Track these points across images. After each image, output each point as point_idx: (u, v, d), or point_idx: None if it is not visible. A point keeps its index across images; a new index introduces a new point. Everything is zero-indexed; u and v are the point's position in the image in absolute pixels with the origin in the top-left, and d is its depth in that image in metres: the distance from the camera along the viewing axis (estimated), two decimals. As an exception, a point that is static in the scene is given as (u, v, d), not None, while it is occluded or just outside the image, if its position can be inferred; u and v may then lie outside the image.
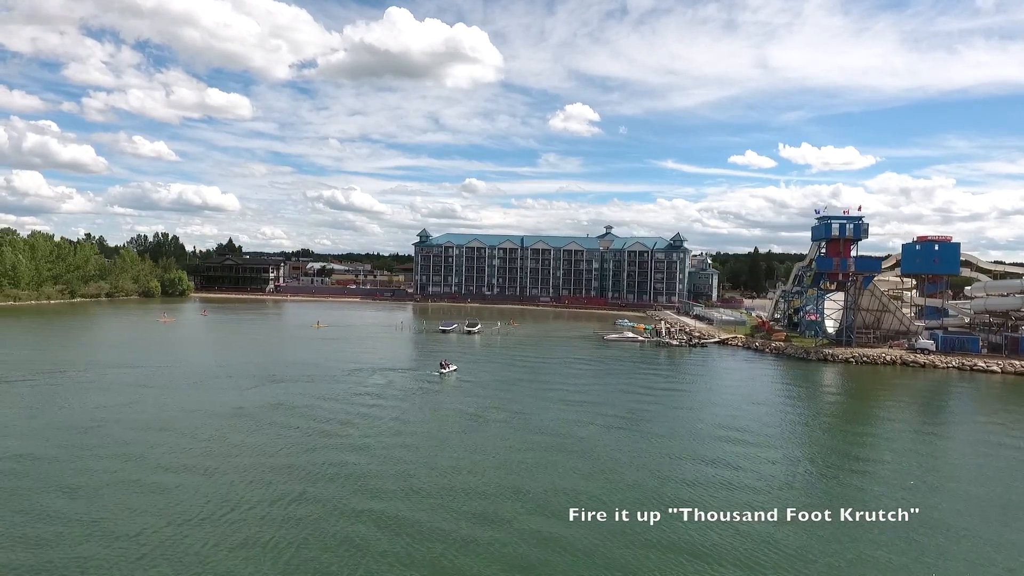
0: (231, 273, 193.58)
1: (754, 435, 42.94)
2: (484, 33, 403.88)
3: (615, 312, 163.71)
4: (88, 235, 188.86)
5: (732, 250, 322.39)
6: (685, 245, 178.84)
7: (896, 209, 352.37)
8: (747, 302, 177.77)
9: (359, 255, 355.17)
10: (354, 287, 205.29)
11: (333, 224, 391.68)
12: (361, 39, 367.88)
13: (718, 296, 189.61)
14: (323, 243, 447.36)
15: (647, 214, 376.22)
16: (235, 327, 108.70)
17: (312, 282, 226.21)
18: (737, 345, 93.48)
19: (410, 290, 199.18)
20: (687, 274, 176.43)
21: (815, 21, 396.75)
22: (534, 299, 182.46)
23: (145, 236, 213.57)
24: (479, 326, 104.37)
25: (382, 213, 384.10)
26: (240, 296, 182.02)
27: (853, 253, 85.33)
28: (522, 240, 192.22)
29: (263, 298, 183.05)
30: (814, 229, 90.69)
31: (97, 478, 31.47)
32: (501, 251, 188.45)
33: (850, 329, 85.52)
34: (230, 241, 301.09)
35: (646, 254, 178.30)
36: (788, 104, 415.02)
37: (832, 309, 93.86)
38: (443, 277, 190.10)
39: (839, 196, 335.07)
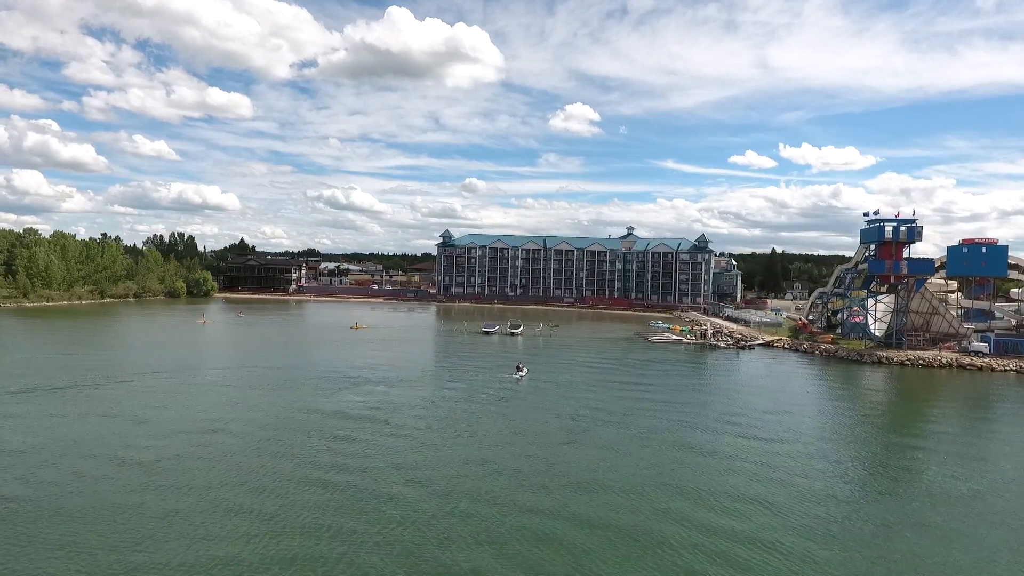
0: (253, 273, 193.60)
1: (870, 444, 43.41)
2: (485, 33, 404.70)
3: (640, 313, 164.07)
4: (104, 234, 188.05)
5: (732, 250, 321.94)
6: (710, 247, 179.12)
7: (896, 210, 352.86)
8: (770, 303, 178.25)
9: (364, 255, 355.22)
10: (376, 287, 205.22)
11: (333, 224, 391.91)
12: (362, 38, 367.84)
13: (740, 297, 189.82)
14: (323, 242, 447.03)
15: (647, 214, 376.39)
16: (276, 328, 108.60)
17: (331, 282, 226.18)
18: (783, 347, 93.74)
19: (432, 290, 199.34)
20: (712, 275, 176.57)
21: (815, 21, 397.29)
22: (557, 300, 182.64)
23: (161, 236, 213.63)
24: (521, 328, 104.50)
25: (382, 213, 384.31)
26: (263, 296, 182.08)
27: (904, 255, 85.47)
28: (544, 241, 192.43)
29: (286, 298, 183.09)
30: (864, 232, 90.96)
31: (274, 478, 31.98)
32: (524, 252, 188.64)
33: (901, 332, 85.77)
34: (242, 241, 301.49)
35: (670, 255, 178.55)
36: (788, 104, 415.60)
37: (875, 311, 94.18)
38: (466, 278, 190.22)
39: (839, 196, 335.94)
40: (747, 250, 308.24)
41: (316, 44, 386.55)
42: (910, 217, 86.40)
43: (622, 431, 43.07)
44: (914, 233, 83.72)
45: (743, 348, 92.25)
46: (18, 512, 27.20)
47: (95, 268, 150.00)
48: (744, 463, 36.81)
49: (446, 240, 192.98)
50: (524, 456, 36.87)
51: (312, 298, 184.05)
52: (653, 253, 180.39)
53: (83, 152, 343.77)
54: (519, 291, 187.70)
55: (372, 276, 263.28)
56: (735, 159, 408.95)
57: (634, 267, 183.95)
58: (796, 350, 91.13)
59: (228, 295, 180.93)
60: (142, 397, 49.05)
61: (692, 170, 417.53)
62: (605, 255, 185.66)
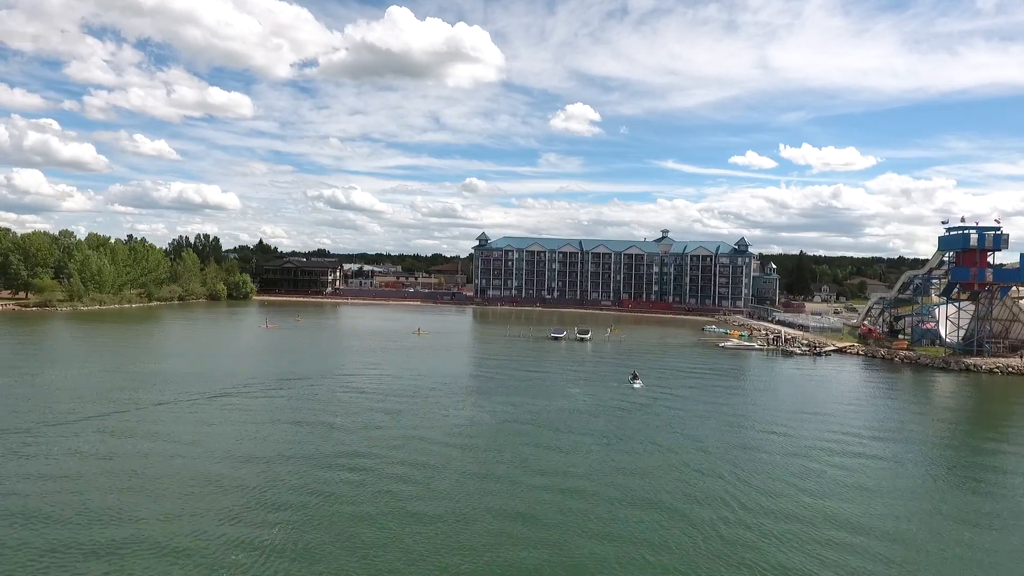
0: (288, 276, 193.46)
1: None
2: (485, 33, 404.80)
3: (681, 317, 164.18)
4: (130, 236, 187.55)
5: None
6: (750, 250, 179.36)
7: (897, 210, 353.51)
8: (808, 306, 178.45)
9: (372, 255, 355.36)
10: (410, 290, 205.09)
11: (333, 223, 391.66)
12: (362, 38, 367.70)
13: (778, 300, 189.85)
14: (323, 242, 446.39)
15: (647, 214, 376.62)
16: (345, 335, 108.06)
17: (359, 284, 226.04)
18: (857, 353, 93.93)
19: (467, 293, 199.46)
20: (752, 278, 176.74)
21: (815, 22, 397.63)
22: (594, 303, 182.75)
23: (187, 237, 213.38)
24: (590, 333, 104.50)
25: (383, 212, 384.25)
26: (301, 299, 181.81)
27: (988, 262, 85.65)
28: (581, 244, 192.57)
29: (323, 301, 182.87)
30: (943, 239, 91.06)
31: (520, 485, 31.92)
32: (561, 255, 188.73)
33: (983, 339, 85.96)
34: (261, 242, 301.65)
35: (709, 258, 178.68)
36: (788, 105, 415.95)
37: (950, 318, 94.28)
38: (503, 280, 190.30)
39: (840, 197, 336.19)
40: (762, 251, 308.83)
41: (317, 44, 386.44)
42: (994, 225, 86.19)
43: (810, 446, 43.20)
44: (1000, 241, 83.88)
45: (819, 355, 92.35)
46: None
47: (141, 271, 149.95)
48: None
49: (482, 243, 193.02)
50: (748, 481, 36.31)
51: (349, 301, 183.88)
52: (692, 256, 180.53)
53: (83, 151, 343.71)
54: (556, 294, 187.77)
55: (396, 278, 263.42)
56: (735, 159, 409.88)
57: (671, 270, 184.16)
58: (872, 356, 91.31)
59: (265, 297, 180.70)
60: (325, 404, 49.99)
61: (692, 170, 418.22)
62: (642, 258, 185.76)
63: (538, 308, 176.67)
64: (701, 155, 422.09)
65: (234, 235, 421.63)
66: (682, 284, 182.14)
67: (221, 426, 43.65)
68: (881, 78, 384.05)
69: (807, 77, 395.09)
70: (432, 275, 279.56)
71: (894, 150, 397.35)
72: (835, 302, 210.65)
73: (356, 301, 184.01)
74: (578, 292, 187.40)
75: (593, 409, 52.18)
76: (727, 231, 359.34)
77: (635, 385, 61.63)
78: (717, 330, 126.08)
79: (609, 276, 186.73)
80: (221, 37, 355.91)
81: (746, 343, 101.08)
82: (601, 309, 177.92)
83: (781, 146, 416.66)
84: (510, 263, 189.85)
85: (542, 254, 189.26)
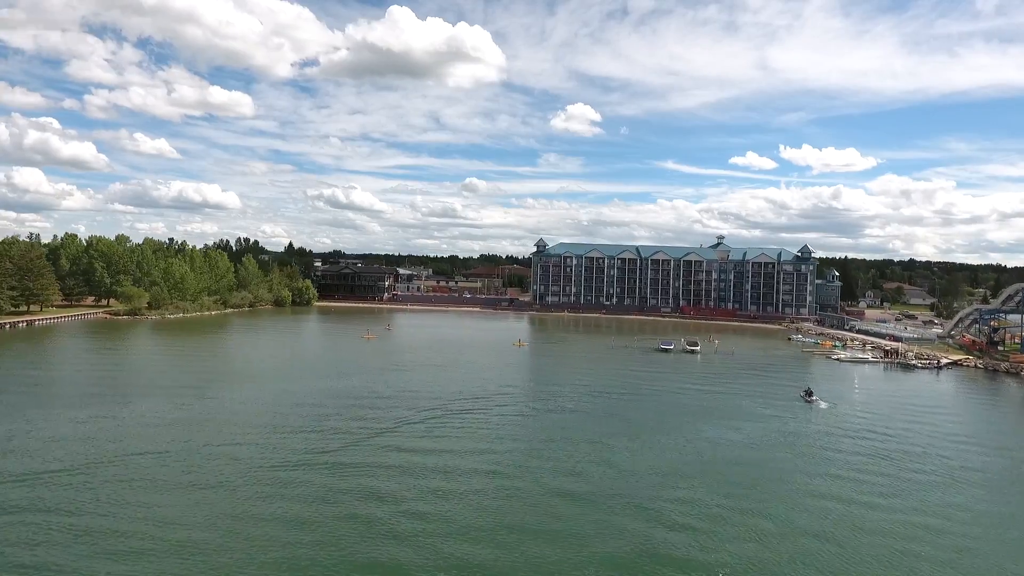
0: (346, 281, 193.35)
1: None
2: (486, 32, 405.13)
3: (747, 324, 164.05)
4: (171, 239, 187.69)
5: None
6: (814, 256, 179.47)
7: (897, 211, 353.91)
8: (866, 313, 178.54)
9: (396, 256, 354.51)
10: (468, 296, 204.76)
11: (333, 223, 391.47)
12: (363, 38, 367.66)
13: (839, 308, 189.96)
14: (323, 241, 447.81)
15: (647, 214, 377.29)
16: (451, 346, 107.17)
17: (406, 288, 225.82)
18: (975, 366, 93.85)
19: (524, 298, 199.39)
20: (815, 286, 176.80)
21: (815, 23, 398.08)
22: (654, 310, 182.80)
23: (226, 240, 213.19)
24: (699, 345, 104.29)
25: (382, 212, 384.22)
26: (361, 304, 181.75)
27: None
28: (638, 249, 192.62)
29: (381, 307, 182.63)
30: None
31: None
32: (620, 261, 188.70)
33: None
34: (291, 244, 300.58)
35: (772, 265, 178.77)
36: (788, 105, 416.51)
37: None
38: (561, 287, 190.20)
39: (839, 198, 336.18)
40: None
41: (318, 43, 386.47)
42: None
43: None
44: None
45: (940, 368, 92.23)
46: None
47: (214, 279, 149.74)
48: None
49: (541, 249, 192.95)
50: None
51: (408, 307, 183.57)
52: (753, 263, 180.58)
53: (84, 150, 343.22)
54: (614, 300, 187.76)
55: (437, 282, 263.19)
56: (735, 160, 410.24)
57: (731, 276, 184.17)
58: (994, 370, 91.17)
59: (325, 304, 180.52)
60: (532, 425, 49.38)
61: (692, 171, 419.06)
62: (701, 264, 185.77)
63: (599, 315, 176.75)
64: (701, 156, 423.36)
65: (233, 234, 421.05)
66: (742, 291, 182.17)
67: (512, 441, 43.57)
68: (881, 79, 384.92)
69: (807, 78, 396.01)
70: (468, 279, 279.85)
71: (894, 151, 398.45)
72: (879, 307, 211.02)
73: (415, 307, 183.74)
74: (636, 298, 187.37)
75: (811, 438, 51.97)
76: (727, 231, 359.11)
77: (820, 405, 61.41)
78: (804, 339, 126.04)
79: (668, 283, 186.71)
80: (222, 36, 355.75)
81: (860, 356, 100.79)
82: (662, 316, 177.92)
83: (781, 147, 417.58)
84: (569, 269, 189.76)
85: (601, 260, 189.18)
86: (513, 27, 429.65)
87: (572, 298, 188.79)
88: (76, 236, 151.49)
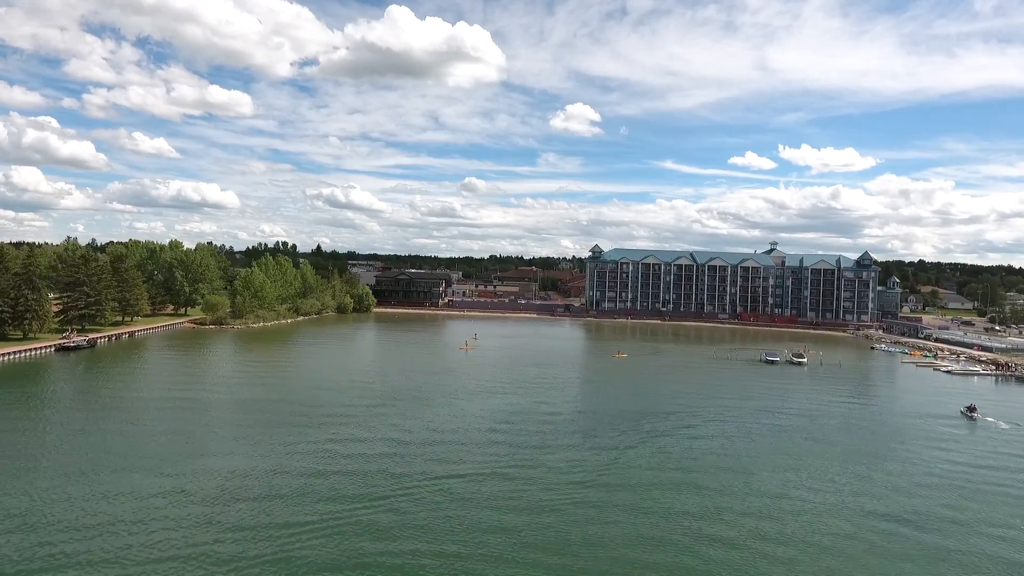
0: (402, 288, 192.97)
1: None
2: (486, 32, 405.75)
3: (810, 332, 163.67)
4: (210, 242, 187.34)
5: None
6: (874, 264, 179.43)
7: (896, 211, 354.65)
8: (924, 319, 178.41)
9: (426, 258, 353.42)
10: (523, 302, 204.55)
11: (332, 222, 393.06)
12: (363, 37, 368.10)
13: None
14: (322, 241, 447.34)
15: (646, 214, 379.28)
16: (547, 356, 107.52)
17: (454, 294, 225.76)
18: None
19: (576, 304, 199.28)
20: (877, 292, 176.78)
21: (814, 23, 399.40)
22: (711, 316, 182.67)
23: (265, 244, 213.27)
24: (806, 357, 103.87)
25: (381, 211, 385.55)
26: (418, 311, 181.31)
27: None
28: (692, 255, 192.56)
29: (438, 313, 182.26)
30: None
31: None
32: (676, 267, 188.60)
33: None
34: (319, 247, 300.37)
35: (832, 272, 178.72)
36: (787, 105, 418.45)
37: None
38: (617, 293, 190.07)
39: (838, 198, 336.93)
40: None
41: (318, 43, 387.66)
42: None
43: None
44: None
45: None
46: None
47: (284, 286, 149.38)
48: None
49: (596, 255, 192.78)
50: None
51: (466, 313, 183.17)
52: (812, 270, 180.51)
53: (82, 149, 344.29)
54: (670, 307, 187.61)
55: (476, 285, 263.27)
56: (735, 160, 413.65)
57: (789, 283, 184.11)
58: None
59: (382, 310, 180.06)
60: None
61: (691, 171, 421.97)
62: (758, 271, 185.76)
63: (657, 321, 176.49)
64: (700, 156, 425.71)
65: (232, 233, 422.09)
66: (800, 297, 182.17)
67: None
68: (880, 79, 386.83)
69: (806, 78, 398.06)
70: (504, 282, 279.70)
71: (893, 151, 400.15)
72: (925, 312, 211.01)
73: (472, 313, 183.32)
74: (693, 304, 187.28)
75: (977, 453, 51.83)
76: (726, 231, 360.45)
77: (988, 421, 61.22)
78: (890, 349, 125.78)
79: (725, 289, 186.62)
80: (221, 35, 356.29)
81: (971, 368, 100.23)
82: (720, 322, 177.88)
83: (780, 147, 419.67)
84: (625, 276, 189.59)
85: (657, 267, 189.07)
86: (512, 27, 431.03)
87: (628, 304, 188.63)
88: (154, 243, 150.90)
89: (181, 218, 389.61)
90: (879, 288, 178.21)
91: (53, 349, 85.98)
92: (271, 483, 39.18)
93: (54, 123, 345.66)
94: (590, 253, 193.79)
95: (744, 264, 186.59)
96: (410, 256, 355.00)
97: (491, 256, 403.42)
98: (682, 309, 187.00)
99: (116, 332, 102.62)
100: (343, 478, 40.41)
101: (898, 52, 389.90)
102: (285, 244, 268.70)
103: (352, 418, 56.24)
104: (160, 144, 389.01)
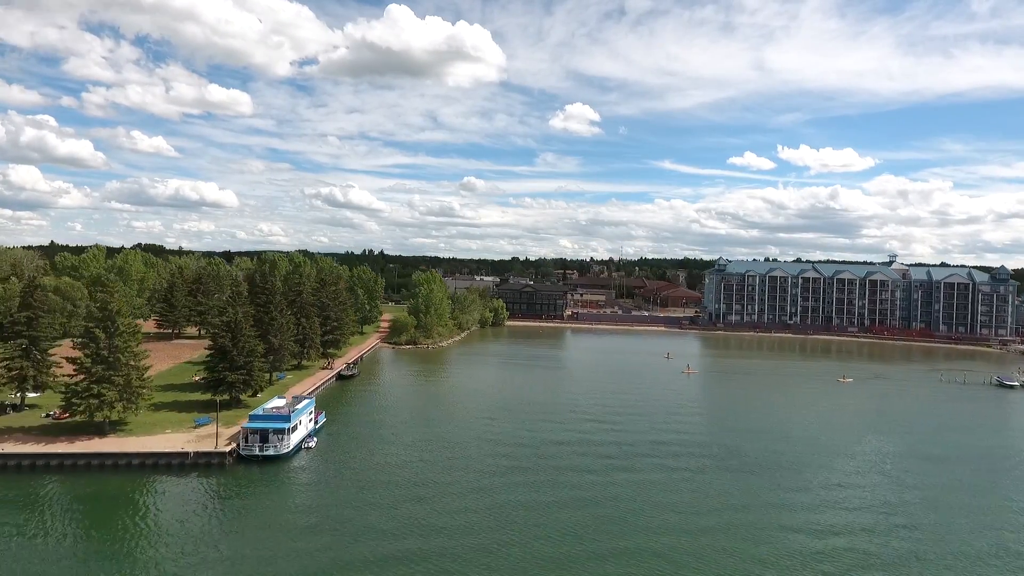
0: (527, 300, 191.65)
1: None
2: (487, 32, 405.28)
3: (951, 346, 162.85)
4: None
5: (731, 251, 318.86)
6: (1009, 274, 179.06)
7: (894, 211, 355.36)
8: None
9: (492, 261, 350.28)
10: (646, 314, 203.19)
11: (331, 221, 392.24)
12: (363, 36, 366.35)
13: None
14: (320, 240, 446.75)
15: (645, 214, 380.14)
16: (776, 378, 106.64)
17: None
18: None
19: (698, 314, 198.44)
20: (1015, 306, 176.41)
21: (812, 24, 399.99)
22: (839, 329, 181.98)
23: (351, 251, 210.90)
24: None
25: (380, 211, 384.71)
26: (544, 324, 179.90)
27: None
28: (813, 266, 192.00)
29: (561, 326, 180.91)
30: None
31: None
32: (802, 280, 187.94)
33: None
34: (383, 252, 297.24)
35: (966, 286, 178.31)
36: (785, 106, 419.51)
37: None
38: (743, 306, 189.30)
39: (837, 198, 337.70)
40: (746, 251, 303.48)
41: (318, 42, 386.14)
42: None
43: None
44: None
45: None
46: None
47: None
48: None
49: (720, 268, 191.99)
50: None
51: (594, 327, 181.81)
52: (946, 284, 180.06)
53: (81, 148, 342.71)
54: (797, 320, 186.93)
55: (582, 295, 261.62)
56: (734, 160, 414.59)
57: (919, 296, 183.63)
58: None
59: (512, 323, 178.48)
60: None
61: (690, 171, 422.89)
62: (886, 284, 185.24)
63: (784, 335, 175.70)
64: (699, 156, 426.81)
65: (230, 233, 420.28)
66: (931, 311, 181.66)
67: None
68: (877, 80, 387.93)
69: (804, 79, 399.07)
70: (588, 290, 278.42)
71: (891, 152, 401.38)
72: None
73: (600, 327, 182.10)
74: (820, 318, 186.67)
75: None
76: (724, 231, 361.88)
77: None
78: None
79: (852, 302, 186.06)
80: (221, 34, 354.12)
81: None
82: (851, 335, 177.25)
83: (779, 147, 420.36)
84: (751, 288, 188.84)
85: (784, 280, 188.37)
86: (510, 27, 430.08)
87: (756, 317, 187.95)
88: (298, 256, 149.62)
89: (179, 217, 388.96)
90: (1017, 302, 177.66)
91: (335, 378, 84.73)
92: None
93: (52, 121, 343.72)
94: (716, 267, 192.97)
95: (872, 277, 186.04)
96: (410, 256, 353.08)
97: (513, 258, 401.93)
98: (809, 322, 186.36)
99: (346, 357, 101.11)
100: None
101: (895, 53, 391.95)
102: (379, 252, 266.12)
103: (805, 466, 55.62)
104: (158, 143, 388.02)
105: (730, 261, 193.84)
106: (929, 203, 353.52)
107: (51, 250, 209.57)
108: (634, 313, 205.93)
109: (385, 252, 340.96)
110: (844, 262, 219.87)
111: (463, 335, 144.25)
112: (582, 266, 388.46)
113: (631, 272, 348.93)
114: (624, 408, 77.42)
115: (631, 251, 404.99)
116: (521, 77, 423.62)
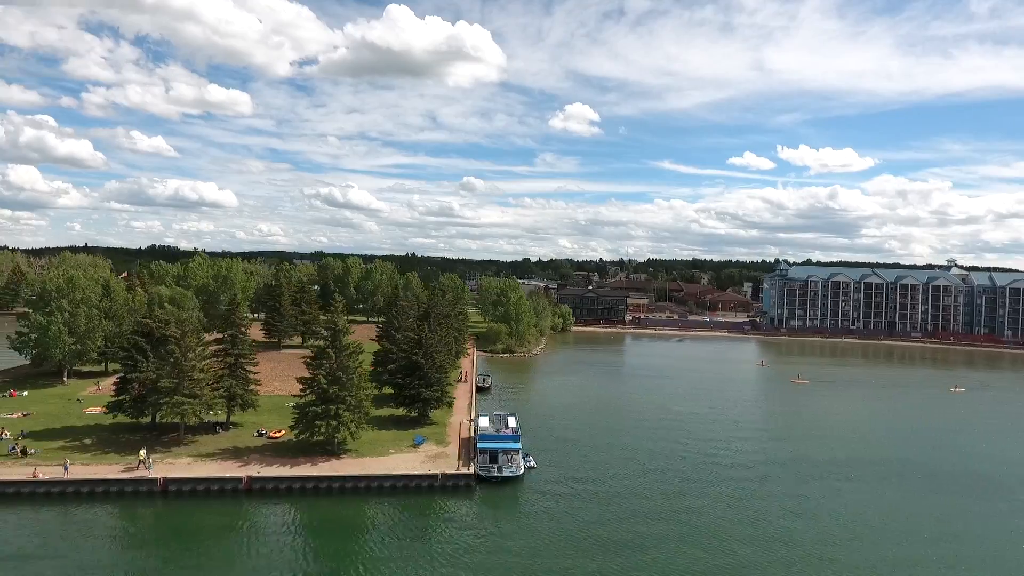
0: (589, 305, 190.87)
1: None
2: (487, 32, 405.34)
3: (1015, 351, 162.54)
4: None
5: (731, 251, 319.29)
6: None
7: (893, 211, 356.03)
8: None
9: (547, 262, 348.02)
10: (707, 320, 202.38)
11: (330, 221, 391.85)
12: (363, 36, 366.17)
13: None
14: (320, 240, 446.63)
15: (644, 214, 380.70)
16: (908, 390, 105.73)
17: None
18: None
19: (758, 319, 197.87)
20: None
21: (811, 24, 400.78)
22: (902, 334, 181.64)
23: (414, 253, 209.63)
24: None
25: (380, 211, 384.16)
26: (608, 330, 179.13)
27: None
28: (874, 271, 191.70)
29: (623, 331, 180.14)
30: None
31: None
32: (865, 285, 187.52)
33: None
34: (412, 254, 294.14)
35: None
36: (785, 106, 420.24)
37: None
38: (806, 311, 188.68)
39: (836, 198, 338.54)
40: (745, 251, 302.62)
41: (318, 42, 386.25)
42: None
43: None
44: None
45: None
46: None
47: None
48: None
49: (782, 273, 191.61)
50: None
51: (657, 333, 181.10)
52: (1011, 289, 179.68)
53: (80, 148, 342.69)
54: (860, 325, 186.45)
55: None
56: (733, 160, 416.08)
57: (982, 302, 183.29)
58: None
59: (580, 329, 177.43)
60: None
61: (689, 171, 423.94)
62: (949, 289, 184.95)
63: (849, 340, 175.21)
64: (698, 156, 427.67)
65: (230, 233, 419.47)
66: (995, 316, 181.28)
67: None
68: (876, 80, 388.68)
69: (803, 79, 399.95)
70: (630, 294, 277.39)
71: (890, 152, 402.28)
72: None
73: (663, 332, 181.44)
74: (883, 323, 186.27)
75: None
76: (724, 231, 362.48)
77: None
78: None
79: (916, 307, 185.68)
80: (221, 34, 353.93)
81: None
82: (915, 340, 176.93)
83: (779, 147, 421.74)
84: (814, 294, 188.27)
85: (846, 284, 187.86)
86: (510, 27, 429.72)
87: (818, 322, 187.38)
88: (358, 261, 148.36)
89: (179, 217, 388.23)
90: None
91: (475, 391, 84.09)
92: None
93: (52, 122, 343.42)
94: (777, 271, 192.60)
95: (935, 283, 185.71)
96: (411, 256, 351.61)
97: (524, 259, 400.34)
98: (872, 327, 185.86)
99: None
100: None
101: (894, 53, 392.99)
102: (410, 254, 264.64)
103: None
104: (158, 143, 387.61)
105: (791, 265, 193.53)
106: (928, 203, 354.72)
107: (51, 251, 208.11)
108: (691, 318, 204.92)
109: (385, 253, 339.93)
110: (843, 263, 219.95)
111: (544, 343, 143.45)
112: (597, 267, 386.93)
113: (653, 274, 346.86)
114: (788, 424, 76.64)
115: (631, 251, 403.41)
116: (521, 77, 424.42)
